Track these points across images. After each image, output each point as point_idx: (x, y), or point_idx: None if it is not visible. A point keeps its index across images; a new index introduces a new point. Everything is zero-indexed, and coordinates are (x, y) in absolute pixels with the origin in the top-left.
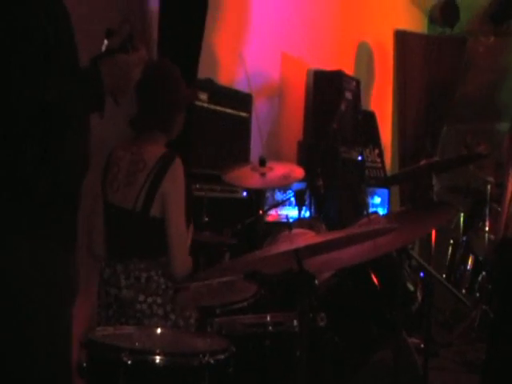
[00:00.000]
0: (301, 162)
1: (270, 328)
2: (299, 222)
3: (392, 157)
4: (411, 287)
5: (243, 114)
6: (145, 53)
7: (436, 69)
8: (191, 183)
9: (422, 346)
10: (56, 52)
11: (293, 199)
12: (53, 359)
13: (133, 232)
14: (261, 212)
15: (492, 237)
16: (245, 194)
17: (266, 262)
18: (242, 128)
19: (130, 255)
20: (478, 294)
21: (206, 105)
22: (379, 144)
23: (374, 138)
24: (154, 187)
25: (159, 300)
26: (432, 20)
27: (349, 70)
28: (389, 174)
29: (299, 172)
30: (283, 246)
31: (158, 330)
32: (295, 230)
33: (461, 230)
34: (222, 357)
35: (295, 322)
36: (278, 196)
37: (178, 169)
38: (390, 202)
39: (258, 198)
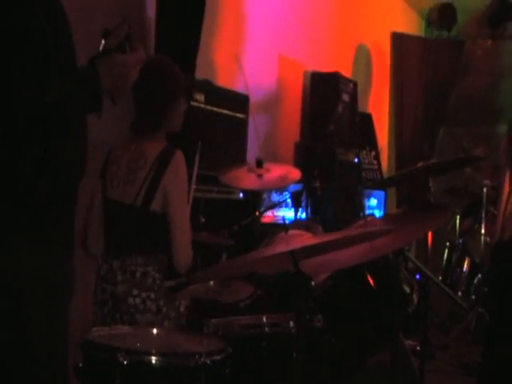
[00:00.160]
0: (298, 164)
1: (267, 329)
2: (296, 223)
3: (389, 159)
4: (407, 289)
5: (240, 116)
6: (143, 52)
7: (433, 71)
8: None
9: (419, 348)
10: (55, 52)
11: (289, 201)
12: (53, 359)
13: (132, 227)
14: (257, 213)
15: (488, 239)
16: (241, 195)
17: (262, 263)
18: (239, 129)
19: (129, 250)
20: (474, 297)
21: (202, 106)
22: (376, 146)
23: (370, 140)
24: (155, 182)
25: (153, 295)
26: (429, 23)
27: (346, 72)
28: (385, 176)
29: (296, 173)
30: (280, 248)
31: (154, 331)
32: (292, 232)
33: (457, 233)
34: (219, 358)
35: (292, 324)
36: (275, 197)
37: (179, 162)
38: (386, 204)
39: (255, 200)
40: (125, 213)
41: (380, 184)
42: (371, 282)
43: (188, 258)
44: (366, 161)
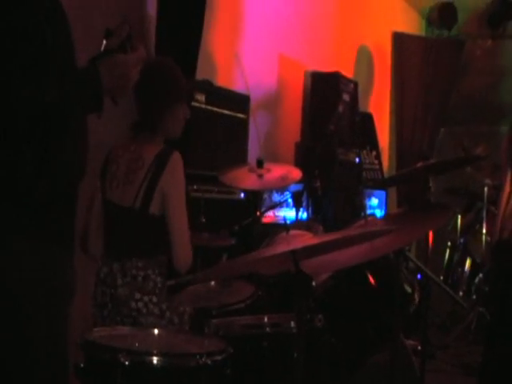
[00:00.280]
0: (298, 164)
1: (268, 329)
2: (296, 223)
3: (389, 158)
4: (408, 289)
5: (241, 116)
6: (144, 52)
7: (433, 71)
8: (188, 184)
9: (419, 347)
10: (54, 52)
11: (290, 201)
12: (53, 359)
13: (131, 230)
14: (258, 213)
15: (489, 239)
16: (242, 195)
17: (263, 263)
18: (240, 129)
19: (128, 253)
20: (474, 297)
21: (203, 106)
22: (377, 146)
23: (371, 140)
24: (152, 184)
25: (155, 299)
26: (430, 22)
27: (346, 72)
28: (386, 175)
29: (297, 173)
30: (280, 248)
31: (156, 331)
32: (292, 232)
33: (458, 232)
34: (219, 358)
35: (292, 324)
36: (276, 197)
37: (176, 164)
38: (387, 204)
39: (256, 200)
40: (124, 216)
41: (381, 184)
42: (372, 281)
43: (188, 259)
44: (367, 161)
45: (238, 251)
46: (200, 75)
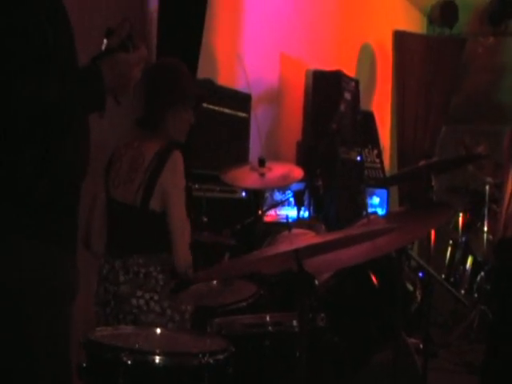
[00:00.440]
0: (300, 163)
1: (270, 328)
2: (298, 222)
3: (391, 157)
4: (410, 287)
5: (242, 115)
6: (145, 51)
7: (435, 69)
8: (190, 183)
9: (421, 346)
10: (55, 52)
11: (292, 199)
12: (53, 359)
13: (132, 226)
14: (260, 212)
15: (491, 237)
16: (244, 194)
17: (265, 262)
18: (241, 128)
19: (130, 250)
20: (476, 295)
21: (205, 105)
22: (378, 144)
23: (373, 139)
24: (152, 180)
25: (156, 297)
26: (431, 20)
27: (348, 71)
28: (388, 174)
29: (298, 172)
30: (283, 247)
31: (158, 330)
32: (294, 231)
33: (460, 231)
34: (222, 357)
35: (295, 323)
36: (277, 196)
37: (176, 161)
38: (389, 203)
39: (257, 199)
40: (126, 213)
41: (382, 182)
42: (374, 280)
43: (188, 257)
44: (369, 159)
45: (240, 250)
46: (201, 74)
